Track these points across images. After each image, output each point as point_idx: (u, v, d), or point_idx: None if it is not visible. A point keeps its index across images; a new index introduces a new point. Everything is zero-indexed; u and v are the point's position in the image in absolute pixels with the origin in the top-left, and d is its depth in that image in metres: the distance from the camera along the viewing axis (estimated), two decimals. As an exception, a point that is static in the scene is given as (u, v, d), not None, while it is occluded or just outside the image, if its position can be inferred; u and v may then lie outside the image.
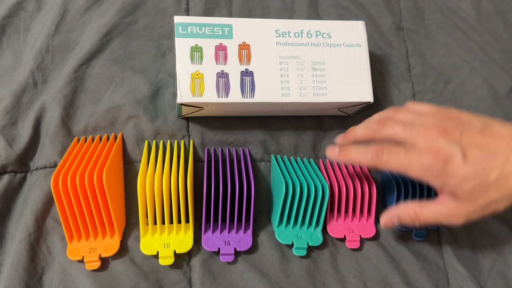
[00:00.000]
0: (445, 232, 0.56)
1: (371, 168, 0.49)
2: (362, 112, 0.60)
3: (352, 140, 0.48)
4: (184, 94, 0.50)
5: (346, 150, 0.46)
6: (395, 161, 0.41)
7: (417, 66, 0.65)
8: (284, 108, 0.54)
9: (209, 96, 0.50)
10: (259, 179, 0.56)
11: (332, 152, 0.48)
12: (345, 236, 0.53)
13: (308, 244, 0.51)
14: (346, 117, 0.60)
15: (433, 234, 0.56)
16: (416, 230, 0.54)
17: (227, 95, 0.50)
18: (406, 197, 0.54)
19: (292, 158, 0.57)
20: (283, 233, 0.52)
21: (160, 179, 0.48)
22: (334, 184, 0.53)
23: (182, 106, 0.51)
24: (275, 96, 0.51)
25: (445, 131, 0.39)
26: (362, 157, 0.43)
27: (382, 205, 0.57)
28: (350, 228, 0.53)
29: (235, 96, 0.50)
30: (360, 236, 0.53)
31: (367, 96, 0.54)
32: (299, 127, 0.58)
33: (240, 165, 0.54)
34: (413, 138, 0.40)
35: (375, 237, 0.54)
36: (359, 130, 0.47)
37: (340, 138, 0.50)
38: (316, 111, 0.57)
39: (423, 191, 0.54)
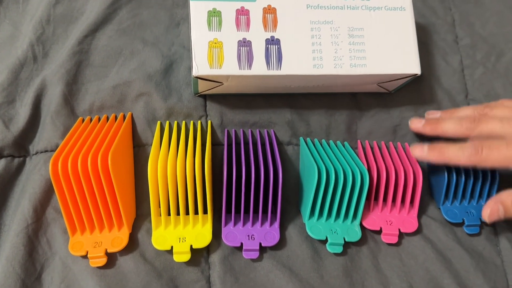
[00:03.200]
0: (502, 225, 0.48)
1: (469, 166, 0.45)
2: (404, 88, 0.52)
3: (436, 135, 0.47)
4: (201, 66, 0.43)
5: (439, 148, 0.44)
6: (496, 156, 0.41)
7: (466, 37, 0.57)
8: (316, 83, 0.47)
9: (230, 68, 0.43)
10: (287, 164, 0.49)
11: (419, 151, 0.45)
12: (381, 228, 0.45)
13: (344, 239, 0.44)
14: (385, 94, 0.53)
15: (488, 227, 0.48)
16: (469, 221, 0.46)
17: (250, 66, 0.43)
18: (457, 185, 0.46)
19: (323, 141, 0.50)
20: (315, 226, 0.45)
21: (174, 164, 0.41)
22: (373, 169, 0.46)
23: (199, 81, 0.45)
24: (305, 68, 0.44)
25: None
26: (460, 155, 0.42)
27: (428, 196, 0.50)
28: (388, 220, 0.46)
29: (259, 68, 0.43)
30: (399, 230, 0.45)
31: (413, 67, 0.46)
32: (332, 106, 0.51)
33: (265, 149, 0.48)
34: None
35: (417, 232, 0.47)
36: (449, 126, 0.46)
37: (417, 126, 0.49)
38: (352, 86, 0.50)
39: (477, 176, 0.46)
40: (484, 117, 0.44)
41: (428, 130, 0.48)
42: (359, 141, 0.51)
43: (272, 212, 0.45)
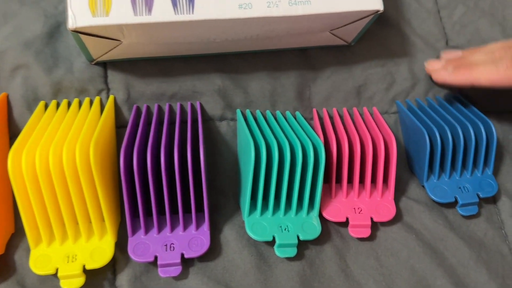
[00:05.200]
0: (506, 201, 0.37)
1: (453, 85, 0.37)
2: (367, 37, 0.41)
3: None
4: (79, 14, 0.31)
5: (467, 64, 0.36)
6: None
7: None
8: (248, 33, 0.35)
9: (120, 14, 0.31)
10: (220, 146, 0.37)
11: (444, 73, 0.37)
12: (347, 219, 0.34)
13: (298, 237, 0.32)
14: (344, 47, 0.41)
15: (488, 205, 0.37)
16: (463, 199, 0.35)
17: (149, 11, 0.31)
18: (444, 153, 0.35)
19: (268, 112, 0.38)
20: (258, 224, 0.33)
21: (54, 155, 0.29)
22: (332, 142, 0.34)
23: (85, 41, 0.32)
24: (228, 10, 0.32)
25: None
26: (494, 71, 0.34)
27: (407, 172, 0.38)
28: (356, 207, 0.35)
29: (162, 12, 0.31)
30: (372, 219, 0.34)
31: (373, 1, 0.34)
32: (276, 67, 0.39)
33: (185, 128, 0.36)
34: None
35: (396, 220, 0.35)
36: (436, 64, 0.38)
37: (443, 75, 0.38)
38: (298, 38, 0.38)
39: (469, 138, 0.35)
40: (462, 59, 0.36)
41: (461, 77, 0.36)
42: (314, 109, 0.39)
43: (198, 210, 0.33)
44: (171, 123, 0.36)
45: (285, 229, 0.33)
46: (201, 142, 0.31)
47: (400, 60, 0.41)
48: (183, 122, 0.36)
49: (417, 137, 0.36)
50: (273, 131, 0.36)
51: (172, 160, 0.31)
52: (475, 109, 0.37)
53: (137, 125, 0.34)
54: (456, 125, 0.35)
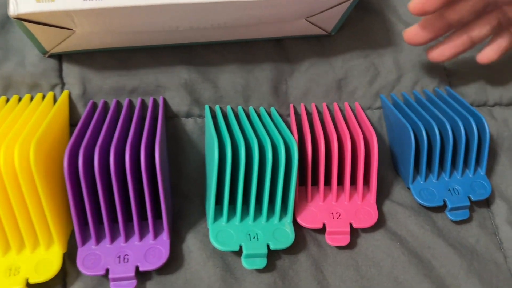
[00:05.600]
0: (500, 204, 0.34)
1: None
2: (348, 26, 0.38)
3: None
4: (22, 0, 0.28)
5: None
6: None
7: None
8: (216, 20, 0.32)
9: (66, -1, 0.28)
10: (185, 145, 0.34)
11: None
12: (324, 225, 0.30)
13: (268, 246, 0.29)
14: (323, 37, 0.38)
15: (481, 209, 0.34)
16: (453, 202, 0.31)
17: (98, -6, 0.28)
18: (431, 151, 0.32)
19: (240, 108, 0.35)
20: (224, 231, 0.30)
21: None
22: (307, 140, 0.31)
23: (34, 30, 0.30)
24: (187, -7, 0.29)
25: None
26: None
27: (392, 172, 0.35)
28: (334, 211, 0.31)
29: (113, -5, 0.28)
30: (351, 225, 0.30)
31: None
32: (250, 59, 0.36)
33: (141, 126, 0.32)
34: None
35: (378, 226, 0.32)
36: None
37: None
38: (273, 27, 0.35)
39: (459, 135, 0.32)
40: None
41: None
42: (291, 105, 0.36)
43: (156, 217, 0.30)
44: (129, 120, 0.33)
45: (254, 238, 0.30)
46: (158, 141, 0.28)
47: (384, 51, 0.38)
48: (143, 119, 0.32)
49: (401, 134, 0.33)
50: (242, 128, 0.32)
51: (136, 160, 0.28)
52: (466, 103, 0.34)
53: (88, 122, 0.31)
54: (445, 120, 0.32)
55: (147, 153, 0.27)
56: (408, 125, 0.31)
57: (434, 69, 0.38)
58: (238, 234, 0.30)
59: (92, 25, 0.30)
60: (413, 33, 0.33)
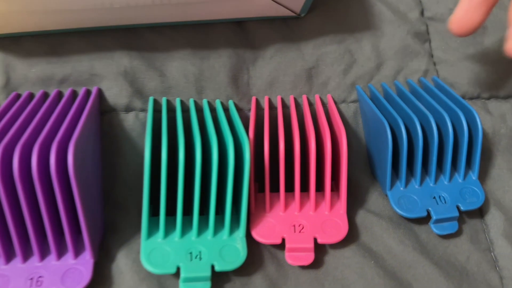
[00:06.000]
0: (496, 214, 0.28)
1: None
2: (320, 6, 0.33)
3: None
4: None
5: None
6: None
7: None
8: (166, 1, 0.27)
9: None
10: (122, 145, 0.29)
11: None
12: (283, 240, 0.25)
13: (213, 268, 0.24)
14: (291, 20, 0.33)
15: (473, 220, 0.29)
16: (438, 213, 0.26)
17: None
18: (412, 151, 0.27)
19: (192, 101, 0.30)
20: (159, 249, 0.25)
21: None
22: (265, 139, 0.26)
23: None
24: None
25: None
26: None
27: (368, 176, 0.30)
28: (296, 223, 0.26)
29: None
30: (316, 240, 0.25)
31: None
32: (205, 44, 0.31)
33: (61, 121, 0.27)
34: None
35: (349, 240, 0.27)
36: None
37: None
38: (232, 7, 0.30)
39: (446, 133, 0.26)
40: None
41: None
42: (254, 98, 0.31)
43: (75, 232, 0.25)
44: (64, 113, 0.28)
45: (196, 257, 0.24)
46: (74, 139, 0.22)
47: (362, 35, 0.33)
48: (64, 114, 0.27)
49: (378, 131, 0.27)
50: (189, 125, 0.27)
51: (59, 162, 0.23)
52: (456, 95, 0.29)
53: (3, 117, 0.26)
54: (429, 115, 0.27)
55: (59, 154, 0.22)
56: (384, 120, 0.26)
57: (419, 56, 0.33)
58: (177, 253, 0.24)
59: (10, 2, 0.25)
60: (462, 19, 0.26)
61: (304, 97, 0.31)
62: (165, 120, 0.26)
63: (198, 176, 0.24)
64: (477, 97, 0.32)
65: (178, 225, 0.25)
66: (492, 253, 0.28)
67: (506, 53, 0.25)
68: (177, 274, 0.24)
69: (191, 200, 0.25)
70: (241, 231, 0.26)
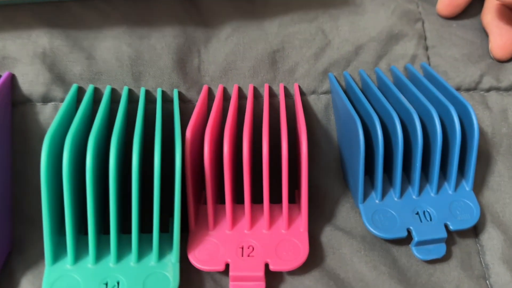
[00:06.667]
0: (493, 233, 0.23)
1: None
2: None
3: None
4: None
5: None
6: None
7: None
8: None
9: None
10: (36, 144, 0.24)
11: None
12: (227, 265, 0.20)
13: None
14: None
15: (465, 240, 0.23)
16: (421, 234, 0.21)
17: None
18: (389, 156, 0.22)
19: (126, 90, 0.24)
20: (66, 278, 0.19)
21: None
22: (206, 138, 0.21)
23: None
24: None
25: None
26: None
27: (340, 186, 0.25)
28: (244, 244, 0.21)
29: None
30: (268, 265, 0.20)
31: None
32: (144, 19, 0.26)
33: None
34: None
35: (310, 266, 0.22)
36: None
37: None
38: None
39: (433, 134, 0.21)
40: None
41: None
42: (206, 87, 0.26)
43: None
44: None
45: (113, 288, 0.19)
46: None
47: (338, 12, 0.27)
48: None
49: (349, 130, 0.22)
50: (111, 119, 0.22)
51: None
52: (449, 86, 0.23)
53: None
54: (412, 110, 0.21)
55: None
56: (355, 117, 0.21)
57: (406, 39, 0.27)
58: (88, 283, 0.19)
59: None
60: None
61: (266, 86, 0.26)
62: (81, 115, 0.21)
63: (113, 184, 0.19)
64: (475, 89, 0.27)
65: (91, 247, 0.20)
66: (487, 281, 0.23)
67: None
68: (88, 310, 0.19)
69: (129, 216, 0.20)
70: (174, 256, 0.20)
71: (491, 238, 0.23)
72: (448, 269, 0.22)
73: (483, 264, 0.23)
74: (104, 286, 0.19)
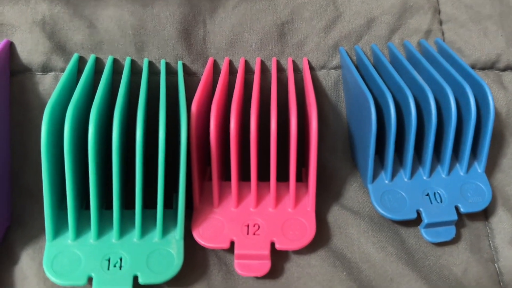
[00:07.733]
0: (503, 217, 0.23)
1: None
2: None
3: None
4: None
5: None
6: None
7: None
8: None
9: None
10: (36, 115, 0.23)
11: None
12: (232, 243, 0.19)
13: (137, 279, 0.19)
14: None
15: (474, 223, 0.23)
16: (431, 216, 0.20)
17: None
18: (402, 134, 0.21)
19: (128, 60, 0.23)
20: (67, 254, 0.19)
21: None
22: (212, 114, 0.20)
23: None
24: None
25: None
26: None
27: (349, 166, 0.24)
28: (251, 222, 0.21)
29: None
30: (274, 244, 0.19)
31: None
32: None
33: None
34: None
35: (317, 244, 0.21)
36: None
37: None
38: None
39: (448, 114, 0.20)
40: None
41: None
42: (211, 59, 0.25)
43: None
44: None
45: (115, 265, 0.19)
46: None
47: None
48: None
49: (360, 107, 0.21)
50: (114, 92, 0.21)
51: None
52: (464, 64, 0.23)
53: None
54: (426, 88, 0.20)
55: None
56: (367, 93, 0.20)
57: (421, 12, 0.26)
58: (90, 259, 0.19)
59: None
60: None
61: (274, 60, 0.25)
62: (83, 86, 0.20)
63: (116, 160, 0.18)
64: (491, 68, 0.26)
65: (93, 222, 0.19)
66: (495, 265, 0.22)
67: None
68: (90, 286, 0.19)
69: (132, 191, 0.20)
70: (178, 232, 0.20)
71: (501, 221, 0.23)
72: (456, 252, 0.22)
73: (492, 247, 0.23)
74: (107, 262, 0.19)
